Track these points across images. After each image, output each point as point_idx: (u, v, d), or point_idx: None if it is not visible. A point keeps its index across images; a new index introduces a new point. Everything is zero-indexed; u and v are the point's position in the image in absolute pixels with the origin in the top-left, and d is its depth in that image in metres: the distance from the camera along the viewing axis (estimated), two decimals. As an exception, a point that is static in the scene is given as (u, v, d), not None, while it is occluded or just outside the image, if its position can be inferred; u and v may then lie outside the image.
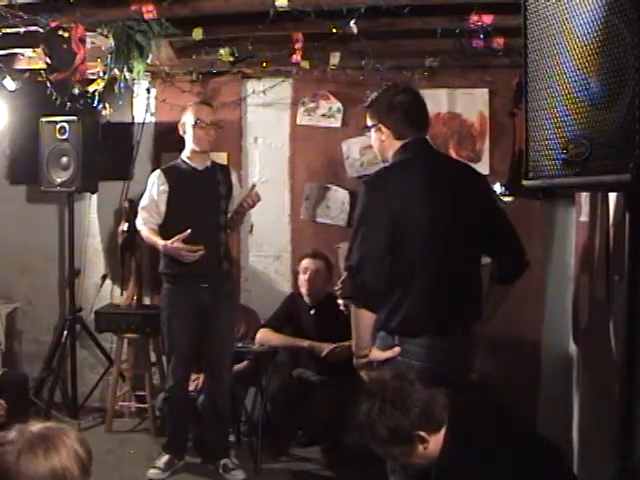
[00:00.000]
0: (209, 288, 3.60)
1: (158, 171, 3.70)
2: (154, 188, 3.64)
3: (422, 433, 1.97)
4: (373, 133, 2.62)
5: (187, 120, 3.62)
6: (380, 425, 1.97)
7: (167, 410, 3.79)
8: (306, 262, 4.04)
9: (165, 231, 3.58)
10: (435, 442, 2.00)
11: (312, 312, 4.03)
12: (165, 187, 3.61)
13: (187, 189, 3.62)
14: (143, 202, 3.69)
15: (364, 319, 2.42)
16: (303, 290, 4.04)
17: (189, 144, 3.64)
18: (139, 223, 3.71)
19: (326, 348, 3.79)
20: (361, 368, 2.49)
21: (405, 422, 1.96)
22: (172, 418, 3.76)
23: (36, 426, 1.44)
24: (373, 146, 2.68)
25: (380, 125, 2.57)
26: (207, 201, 3.66)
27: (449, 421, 1.99)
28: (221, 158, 4.49)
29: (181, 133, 3.67)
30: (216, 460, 3.70)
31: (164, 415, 3.98)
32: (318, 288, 4.00)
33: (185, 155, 3.68)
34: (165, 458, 3.69)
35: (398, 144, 2.55)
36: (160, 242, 3.55)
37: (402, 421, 1.96)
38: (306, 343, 3.90)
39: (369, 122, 2.63)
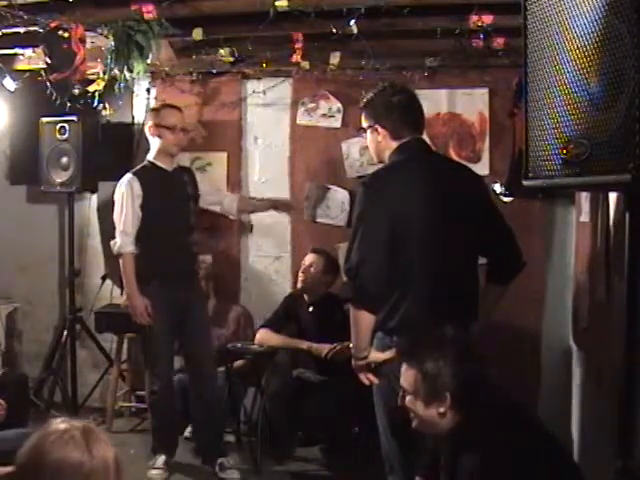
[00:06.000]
0: (182, 287, 3.61)
1: (130, 176, 3.59)
2: (131, 198, 3.54)
3: (449, 401, 1.98)
4: (369, 134, 2.61)
5: (162, 123, 3.56)
6: (432, 362, 1.99)
7: (158, 412, 3.73)
8: (305, 258, 4.07)
9: (138, 233, 3.57)
10: (448, 420, 2.01)
11: (310, 309, 4.04)
12: (139, 192, 3.55)
13: (159, 192, 3.60)
14: (127, 220, 3.54)
15: (364, 321, 2.42)
16: (299, 284, 4.07)
17: (161, 146, 3.60)
18: (128, 242, 3.53)
19: (325, 349, 3.80)
20: (360, 370, 2.49)
21: (450, 378, 1.98)
22: (164, 419, 3.72)
23: (66, 422, 1.46)
24: (369, 147, 2.67)
25: (377, 126, 2.56)
26: (178, 202, 3.67)
27: (468, 411, 1.99)
28: (221, 158, 4.51)
29: (151, 135, 3.62)
30: (212, 460, 3.69)
31: (155, 416, 3.91)
32: (313, 282, 4.01)
33: (153, 157, 3.64)
34: (163, 458, 3.68)
35: (395, 144, 2.54)
36: (136, 291, 3.52)
37: (449, 376, 1.98)
38: (305, 345, 3.91)
39: (365, 123, 2.62)
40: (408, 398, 2.08)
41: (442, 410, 1.99)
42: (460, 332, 2.12)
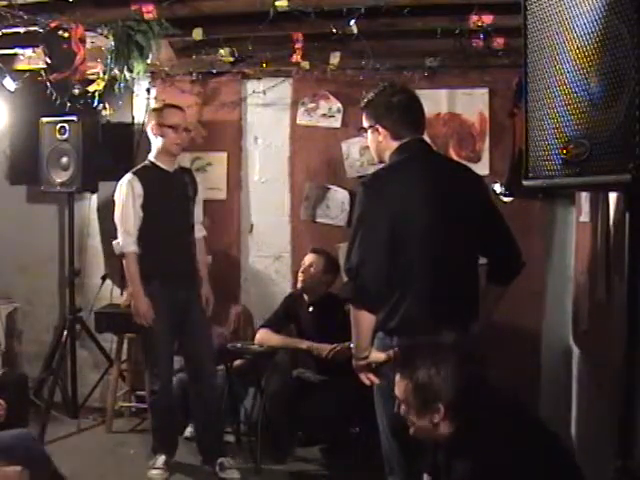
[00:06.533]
0: (183, 287, 3.62)
1: (130, 175, 3.58)
2: (132, 197, 3.52)
3: (442, 411, 1.97)
4: (370, 134, 2.61)
5: (165, 123, 3.56)
6: (423, 374, 1.99)
7: (158, 412, 3.71)
8: (305, 258, 4.08)
9: (139, 233, 3.55)
10: (443, 429, 2.00)
11: (310, 309, 4.03)
12: (140, 191, 3.54)
13: (159, 192, 3.59)
14: (129, 220, 3.52)
15: (364, 321, 2.41)
16: (298, 284, 4.07)
17: (163, 146, 3.58)
18: (130, 242, 3.52)
19: (325, 349, 3.80)
20: (361, 370, 2.48)
21: (441, 389, 1.97)
22: (164, 419, 3.71)
23: None
24: (370, 147, 2.67)
25: (377, 126, 2.56)
26: (178, 203, 3.66)
27: (464, 421, 1.99)
28: (221, 158, 4.51)
29: (153, 134, 3.60)
30: (212, 460, 3.69)
31: (155, 416, 3.90)
32: (312, 282, 4.01)
33: (155, 157, 3.63)
34: (163, 458, 3.67)
35: (395, 144, 2.54)
36: (141, 291, 3.50)
37: (440, 386, 1.98)
38: (305, 345, 3.91)
39: (365, 123, 2.62)
40: (402, 408, 2.08)
41: (435, 420, 1.99)
42: (456, 340, 2.11)
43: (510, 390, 2.25)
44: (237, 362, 4.04)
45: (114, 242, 3.59)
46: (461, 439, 1.96)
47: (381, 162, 2.63)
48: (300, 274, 4.05)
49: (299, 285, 4.07)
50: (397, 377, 2.08)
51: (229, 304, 4.38)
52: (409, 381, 2.02)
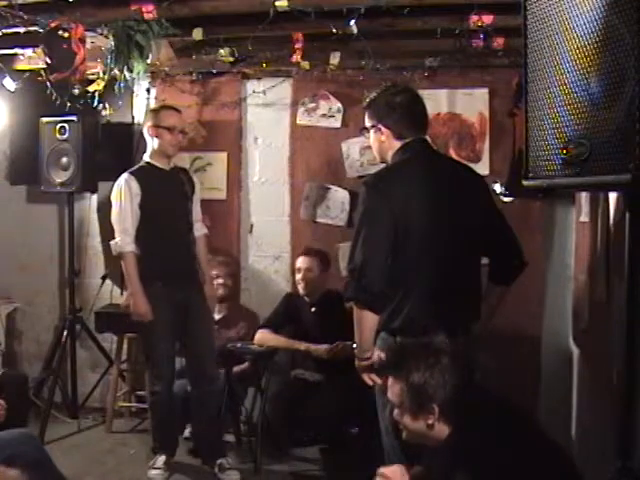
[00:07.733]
0: (184, 287, 3.61)
1: (127, 175, 3.57)
2: (129, 196, 3.52)
3: (437, 412, 1.97)
4: (372, 134, 2.61)
5: (161, 124, 3.56)
6: (417, 375, 1.99)
7: (158, 412, 3.70)
8: (299, 261, 4.05)
9: (137, 234, 3.54)
10: (438, 431, 2.00)
11: (313, 310, 4.02)
12: (138, 191, 3.53)
13: (157, 190, 3.59)
14: (126, 219, 3.51)
15: (367, 321, 2.41)
16: (300, 289, 4.05)
17: (158, 147, 3.58)
18: (128, 241, 3.50)
19: (323, 350, 3.80)
20: (363, 370, 2.48)
21: (436, 389, 1.97)
22: (164, 419, 3.70)
23: None
24: (372, 147, 2.67)
25: (380, 125, 2.56)
26: (177, 202, 3.66)
27: (458, 422, 1.99)
28: (221, 158, 4.51)
29: (150, 135, 3.60)
30: (212, 460, 3.69)
31: (155, 417, 3.90)
32: (314, 285, 4.01)
33: (150, 157, 3.63)
34: (163, 458, 3.67)
35: (398, 144, 2.54)
36: (140, 290, 3.49)
37: (435, 387, 1.98)
38: (303, 346, 3.90)
39: (368, 122, 2.63)
40: (395, 411, 2.08)
41: (430, 422, 1.99)
42: (448, 340, 2.10)
43: (505, 391, 2.24)
44: (237, 368, 4.02)
45: (112, 242, 3.57)
46: (457, 440, 1.96)
47: (383, 162, 2.63)
48: (300, 280, 4.01)
49: (301, 292, 4.04)
50: (390, 381, 2.08)
51: (234, 305, 4.38)
52: (404, 384, 2.02)
